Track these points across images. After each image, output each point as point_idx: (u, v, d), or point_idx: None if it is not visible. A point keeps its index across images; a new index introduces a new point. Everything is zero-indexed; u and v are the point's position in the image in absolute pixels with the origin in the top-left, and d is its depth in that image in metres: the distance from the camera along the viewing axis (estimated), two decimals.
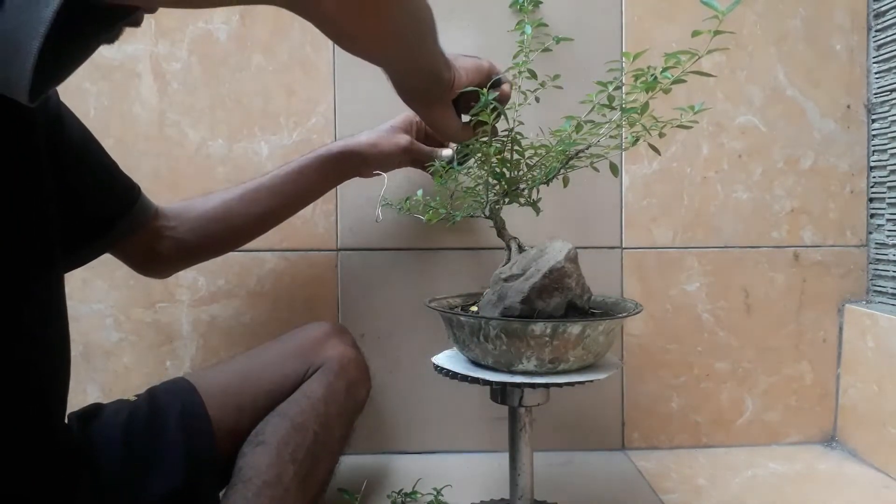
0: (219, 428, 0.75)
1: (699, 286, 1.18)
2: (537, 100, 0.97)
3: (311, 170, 0.93)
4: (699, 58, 0.67)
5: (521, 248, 0.85)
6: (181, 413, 0.73)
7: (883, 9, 1.14)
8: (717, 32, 0.62)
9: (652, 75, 0.70)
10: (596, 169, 0.82)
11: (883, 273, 1.16)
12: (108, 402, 0.77)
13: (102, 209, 0.78)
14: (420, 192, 0.96)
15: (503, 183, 0.84)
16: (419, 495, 0.96)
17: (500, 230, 0.88)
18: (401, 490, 0.98)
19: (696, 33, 0.63)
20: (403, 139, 0.94)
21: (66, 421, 0.69)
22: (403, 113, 0.96)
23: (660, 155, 0.83)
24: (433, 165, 0.87)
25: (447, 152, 0.94)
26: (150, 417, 0.72)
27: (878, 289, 1.17)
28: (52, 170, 0.63)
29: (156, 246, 0.86)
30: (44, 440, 0.61)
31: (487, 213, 0.88)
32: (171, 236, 0.86)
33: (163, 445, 0.71)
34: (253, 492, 0.67)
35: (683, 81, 0.68)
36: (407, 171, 1.06)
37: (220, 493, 0.71)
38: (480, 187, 0.88)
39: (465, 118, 0.83)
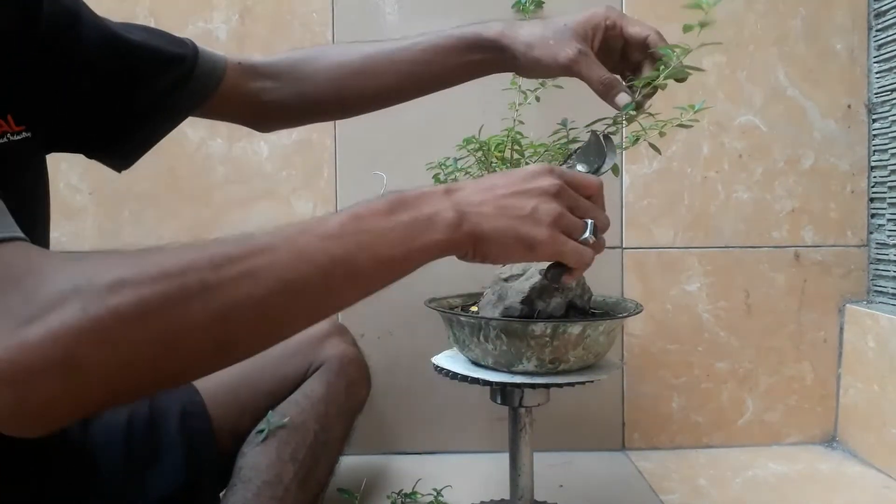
0: (219, 427, 0.74)
1: (700, 286, 1.17)
2: (537, 99, 0.96)
3: (452, 51, 0.71)
4: (699, 45, 0.60)
5: None
6: (182, 413, 0.73)
7: (883, 8, 1.14)
8: (703, 25, 0.58)
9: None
10: None
11: (884, 273, 1.16)
12: None
13: (149, 92, 0.65)
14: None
15: None
16: (419, 496, 0.96)
17: None
18: (401, 490, 0.98)
19: (686, 28, 0.59)
20: (568, 52, 0.65)
21: None
22: (593, 9, 0.69)
23: (660, 154, 0.82)
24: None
25: (625, 98, 0.67)
26: (150, 417, 0.72)
27: (879, 289, 1.17)
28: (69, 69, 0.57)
29: (256, 108, 0.73)
30: (45, 439, 0.61)
31: None
32: (272, 100, 0.73)
33: (163, 445, 0.71)
34: (253, 492, 0.67)
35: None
36: (406, 171, 1.05)
37: (221, 494, 0.71)
38: None
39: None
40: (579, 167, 0.64)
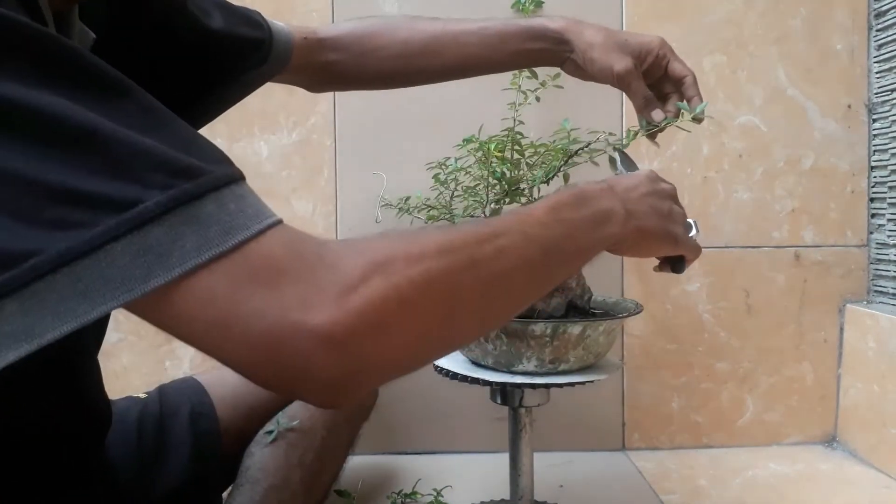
0: (227, 429, 0.75)
1: (700, 286, 1.17)
2: (538, 99, 0.96)
3: (514, 38, 0.76)
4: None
5: None
6: (191, 413, 0.74)
7: (883, 8, 1.14)
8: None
9: None
10: (595, 163, 0.82)
11: (884, 273, 1.15)
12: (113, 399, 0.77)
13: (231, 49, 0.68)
14: (420, 192, 0.96)
15: (503, 182, 0.84)
16: (419, 496, 0.96)
17: None
18: (401, 490, 0.98)
19: None
20: (622, 65, 0.72)
21: None
22: (651, 37, 0.75)
23: (658, 147, 0.83)
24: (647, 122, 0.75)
25: (659, 114, 0.74)
26: (160, 416, 0.73)
27: (879, 289, 1.17)
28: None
29: (318, 77, 0.78)
30: (58, 436, 0.61)
31: (487, 213, 0.88)
32: (336, 71, 0.77)
33: (171, 444, 0.71)
34: (260, 493, 0.67)
35: None
36: (406, 171, 1.05)
37: (225, 493, 0.71)
38: (480, 187, 0.88)
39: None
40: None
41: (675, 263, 0.64)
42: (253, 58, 0.70)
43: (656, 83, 0.77)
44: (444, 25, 0.77)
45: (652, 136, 0.76)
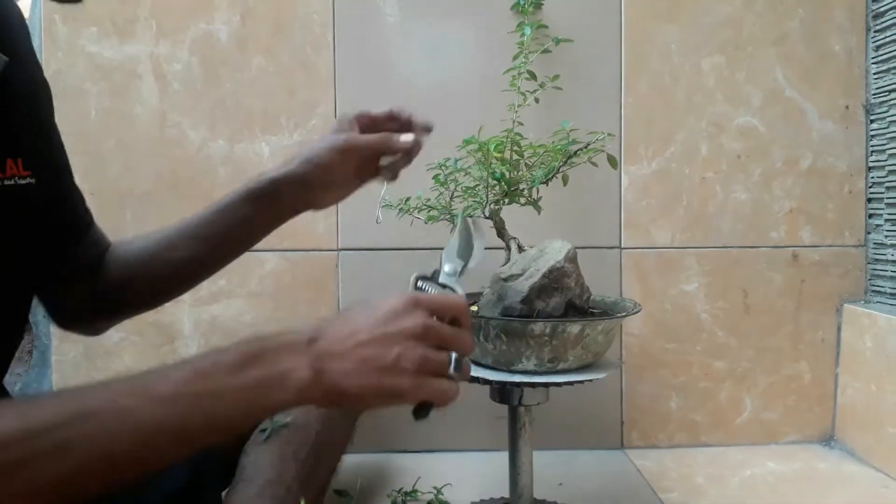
0: None
1: (698, 286, 1.18)
2: (537, 101, 0.97)
3: (234, 208, 0.70)
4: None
5: (520, 248, 0.86)
6: None
7: (882, 9, 1.15)
8: None
9: None
10: (594, 164, 0.82)
11: (881, 273, 1.16)
12: None
13: (76, 212, 0.66)
14: (420, 193, 0.96)
15: (503, 183, 0.85)
16: (419, 494, 0.97)
17: (500, 230, 0.89)
18: (401, 489, 0.98)
19: None
20: (340, 138, 0.69)
21: None
22: (343, 112, 0.74)
23: (615, 168, 0.83)
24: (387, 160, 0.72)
25: (408, 137, 0.70)
26: None
27: (877, 289, 1.17)
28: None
29: (73, 297, 0.68)
30: None
31: (487, 213, 0.89)
32: (96, 284, 0.69)
33: None
34: (255, 490, 0.67)
35: None
36: (406, 172, 1.06)
37: (223, 493, 0.72)
38: (480, 188, 0.88)
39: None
40: (445, 267, 0.63)
41: (417, 412, 0.51)
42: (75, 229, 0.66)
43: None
44: (190, 217, 0.71)
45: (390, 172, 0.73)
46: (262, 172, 0.71)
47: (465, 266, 0.64)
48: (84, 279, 0.67)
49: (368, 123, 0.73)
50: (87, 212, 0.69)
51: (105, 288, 0.69)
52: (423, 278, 0.60)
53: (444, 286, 0.59)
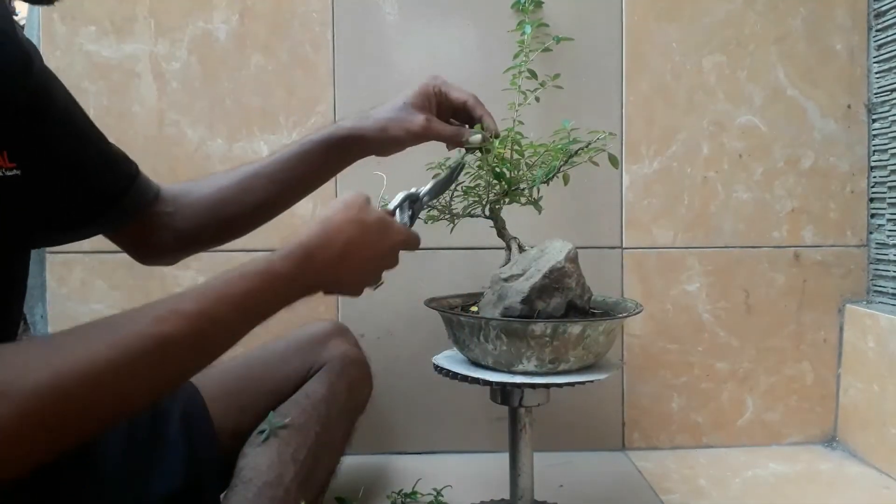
0: (220, 429, 0.74)
1: (700, 286, 1.17)
2: (537, 99, 0.97)
3: (313, 155, 0.79)
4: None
5: (521, 248, 0.85)
6: (183, 414, 0.73)
7: (883, 8, 1.14)
8: None
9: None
10: (595, 163, 0.82)
11: (883, 273, 1.16)
12: None
13: (98, 187, 0.68)
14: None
15: (503, 183, 0.84)
16: (419, 495, 0.96)
17: (500, 230, 0.88)
18: (401, 490, 0.98)
19: None
20: (417, 122, 0.78)
21: None
22: (422, 82, 0.81)
23: (600, 166, 0.83)
24: (469, 147, 0.80)
25: (476, 137, 0.80)
26: (152, 418, 0.72)
27: (879, 289, 1.17)
28: (32, 145, 0.56)
29: (151, 234, 0.75)
30: None
31: (487, 213, 0.88)
32: (167, 224, 0.75)
33: (164, 446, 0.70)
34: (253, 492, 0.67)
35: None
36: (406, 171, 1.06)
37: (222, 495, 0.71)
38: (480, 187, 0.88)
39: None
40: (425, 198, 0.77)
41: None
42: (124, 179, 0.71)
43: (453, 113, 0.83)
44: (259, 162, 0.80)
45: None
46: (337, 122, 0.81)
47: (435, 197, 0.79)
48: (143, 224, 0.73)
49: (442, 106, 0.82)
50: (121, 173, 0.71)
51: (183, 225, 0.75)
52: (408, 200, 0.74)
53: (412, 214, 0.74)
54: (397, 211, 0.73)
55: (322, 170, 0.82)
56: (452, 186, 0.84)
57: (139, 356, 0.44)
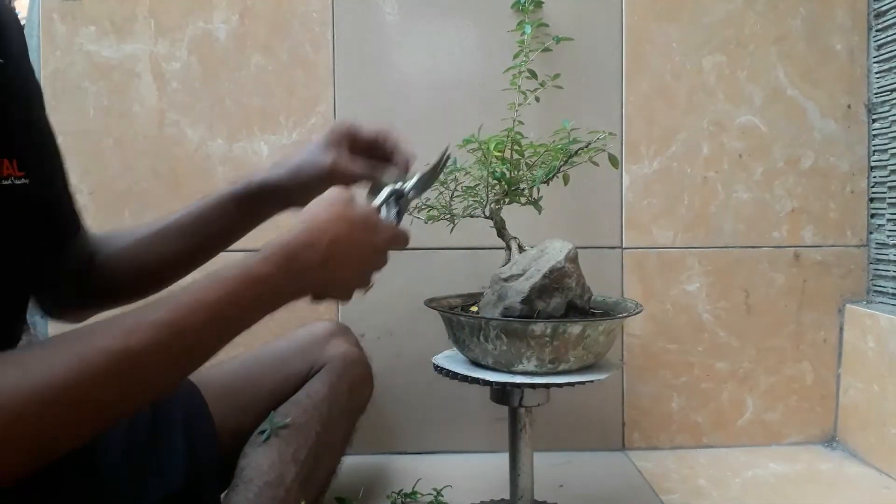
0: (221, 428, 0.74)
1: (699, 286, 1.17)
2: (537, 99, 0.97)
3: (225, 209, 0.74)
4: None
5: (521, 248, 0.85)
6: (184, 414, 0.73)
7: (883, 8, 1.14)
8: None
9: None
10: (595, 163, 0.82)
11: (883, 273, 1.16)
12: None
13: (60, 225, 0.66)
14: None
15: (503, 183, 0.84)
16: (419, 495, 0.96)
17: (500, 230, 0.88)
18: (401, 490, 0.98)
19: None
20: (328, 158, 0.71)
21: None
22: (329, 126, 0.77)
23: (598, 165, 0.83)
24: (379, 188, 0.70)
25: (390, 176, 0.71)
26: (152, 418, 0.72)
27: (879, 289, 1.17)
28: None
29: (62, 290, 0.70)
30: None
31: (487, 213, 0.88)
32: (87, 278, 0.71)
33: (165, 446, 0.70)
34: (254, 492, 0.67)
35: None
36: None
37: (222, 495, 0.71)
38: (480, 187, 0.88)
39: None
40: (410, 193, 0.70)
41: None
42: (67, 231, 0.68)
43: (371, 153, 0.75)
44: (177, 213, 0.75)
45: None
46: (249, 174, 0.74)
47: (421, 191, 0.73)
48: (73, 276, 0.68)
49: (356, 143, 0.74)
50: (78, 213, 0.69)
51: (94, 279, 0.70)
52: (393, 196, 0.68)
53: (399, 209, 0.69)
54: (383, 208, 0.67)
55: (236, 224, 0.76)
56: (441, 177, 0.81)
57: (105, 371, 0.43)
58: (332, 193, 0.62)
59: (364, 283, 0.63)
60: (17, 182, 0.52)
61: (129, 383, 0.45)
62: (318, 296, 0.59)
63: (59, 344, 0.44)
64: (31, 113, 0.58)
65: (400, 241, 0.66)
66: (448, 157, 0.75)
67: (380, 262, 0.63)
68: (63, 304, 0.71)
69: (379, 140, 0.75)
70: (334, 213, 0.59)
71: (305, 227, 0.57)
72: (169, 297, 0.48)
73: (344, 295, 0.61)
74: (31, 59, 0.60)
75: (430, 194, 0.94)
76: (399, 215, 0.68)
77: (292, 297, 0.56)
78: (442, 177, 0.90)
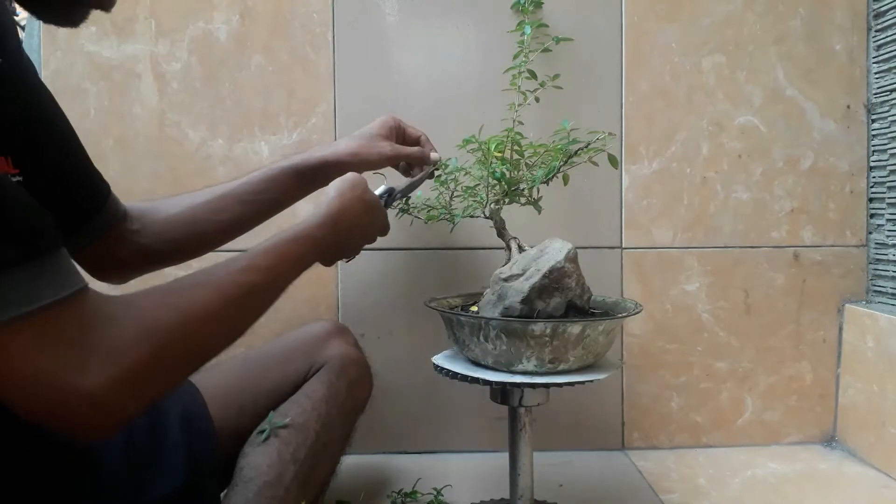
0: (220, 428, 0.74)
1: (699, 286, 1.18)
2: (537, 100, 0.97)
3: (284, 180, 0.86)
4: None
5: (521, 248, 0.86)
6: (183, 414, 0.73)
7: (883, 9, 1.14)
8: None
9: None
10: (595, 163, 0.82)
11: (883, 273, 1.16)
12: None
13: (77, 201, 0.70)
14: (420, 193, 0.96)
15: (503, 183, 0.84)
16: (419, 495, 0.96)
17: (500, 230, 0.88)
18: (401, 490, 0.98)
19: None
20: (386, 147, 0.89)
21: None
22: (380, 118, 0.93)
23: (597, 165, 0.83)
24: (431, 169, 0.93)
25: (436, 155, 0.94)
26: (151, 418, 0.72)
27: (878, 289, 1.17)
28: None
29: (116, 250, 0.76)
30: (45, 439, 0.61)
31: (487, 213, 0.89)
32: (133, 241, 0.78)
33: (164, 446, 0.71)
34: (253, 492, 0.67)
35: None
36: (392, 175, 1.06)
37: (222, 495, 0.71)
38: (480, 187, 0.88)
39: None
40: (398, 195, 0.90)
41: None
42: (96, 199, 0.74)
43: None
44: (229, 184, 0.87)
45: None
46: (311, 149, 0.89)
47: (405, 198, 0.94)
48: (108, 243, 0.76)
49: (402, 138, 0.95)
50: (98, 188, 0.75)
51: (146, 241, 0.79)
52: (388, 192, 0.88)
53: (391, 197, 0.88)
54: (381, 199, 0.84)
55: (288, 195, 0.89)
56: (442, 178, 0.94)
57: (236, 297, 0.55)
58: (354, 177, 0.77)
59: (357, 252, 0.81)
60: (12, 179, 0.53)
61: (246, 311, 0.57)
62: (331, 258, 0.76)
63: (201, 275, 0.55)
64: (28, 111, 0.58)
65: (387, 229, 0.85)
66: (433, 173, 0.94)
67: (371, 239, 0.82)
68: (104, 266, 0.78)
69: (421, 141, 0.95)
70: (357, 195, 0.75)
71: (339, 202, 0.72)
72: (262, 248, 0.61)
73: (340, 259, 0.80)
74: (31, 60, 0.60)
75: (431, 194, 0.95)
76: (386, 207, 0.86)
77: (321, 256, 0.70)
78: (442, 176, 0.91)
